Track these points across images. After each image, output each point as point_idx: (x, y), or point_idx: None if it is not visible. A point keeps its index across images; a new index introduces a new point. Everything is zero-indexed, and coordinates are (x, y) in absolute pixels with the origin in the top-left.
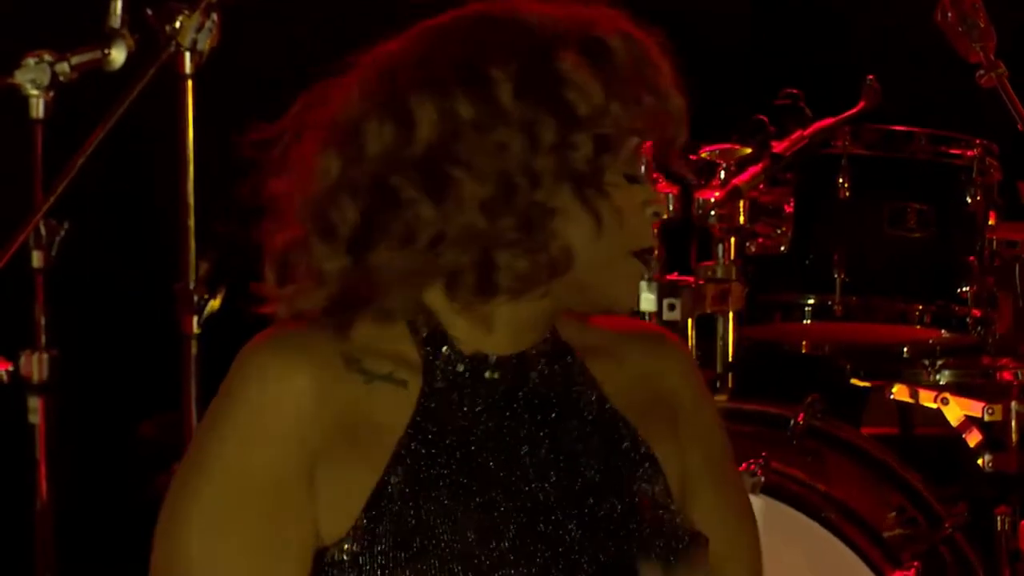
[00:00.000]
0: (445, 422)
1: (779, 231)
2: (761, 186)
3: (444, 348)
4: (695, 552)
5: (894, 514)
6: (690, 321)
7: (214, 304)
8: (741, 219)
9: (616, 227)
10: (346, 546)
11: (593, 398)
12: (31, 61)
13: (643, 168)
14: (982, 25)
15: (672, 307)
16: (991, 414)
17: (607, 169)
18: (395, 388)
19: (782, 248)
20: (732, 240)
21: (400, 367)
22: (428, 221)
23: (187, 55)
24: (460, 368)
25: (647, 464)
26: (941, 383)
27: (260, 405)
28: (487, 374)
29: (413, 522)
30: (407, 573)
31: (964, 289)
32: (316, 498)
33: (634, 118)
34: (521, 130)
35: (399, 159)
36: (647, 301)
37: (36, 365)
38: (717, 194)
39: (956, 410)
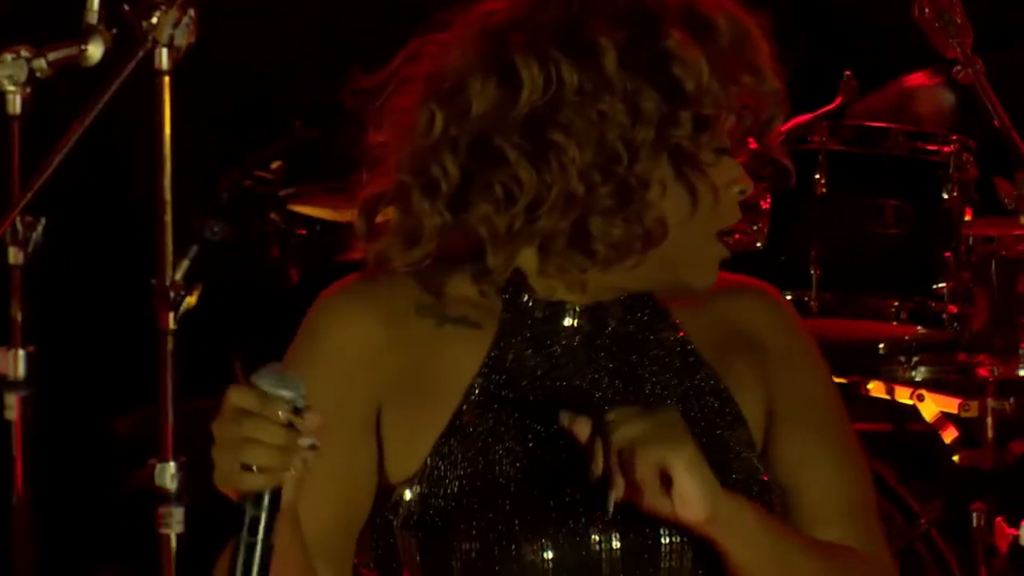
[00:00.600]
0: (519, 366)
1: (755, 227)
2: None
3: (524, 296)
4: (766, 501)
5: None
6: None
7: (190, 300)
8: None
9: (710, 204)
10: (415, 487)
11: (675, 345)
12: (8, 57)
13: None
14: (959, 21)
15: None
16: (967, 410)
17: (704, 147)
18: (470, 331)
19: (758, 244)
20: None
21: (477, 311)
22: (528, 184)
23: (164, 51)
24: (538, 314)
25: (727, 410)
26: (917, 379)
27: (327, 348)
28: (565, 321)
29: (481, 464)
30: (473, 516)
31: (940, 285)
32: (385, 440)
33: (733, 98)
34: (624, 101)
35: (502, 120)
36: None
37: (13, 362)
38: None
39: (932, 406)
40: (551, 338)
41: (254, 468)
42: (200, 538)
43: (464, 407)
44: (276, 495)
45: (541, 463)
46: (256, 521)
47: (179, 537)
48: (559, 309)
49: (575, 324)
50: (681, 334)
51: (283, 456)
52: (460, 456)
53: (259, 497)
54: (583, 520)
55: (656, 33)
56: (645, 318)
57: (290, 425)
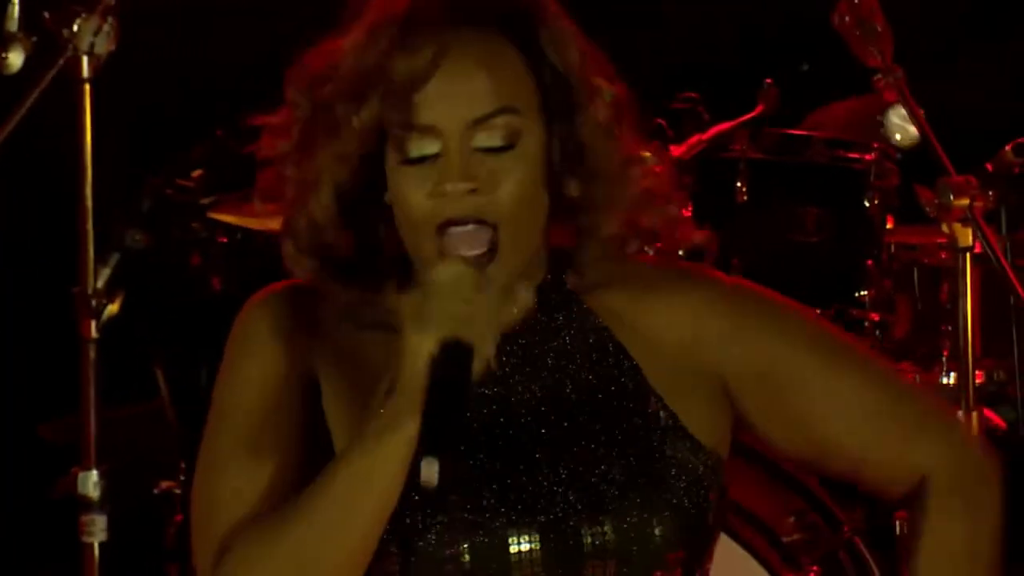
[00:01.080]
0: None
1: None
2: None
3: None
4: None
5: (793, 518)
6: None
7: (113, 308)
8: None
9: (403, 206)
10: None
11: (597, 344)
12: None
13: (419, 151)
14: (879, 29)
15: None
16: None
17: (388, 157)
18: (387, 336)
19: (680, 252)
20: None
21: (394, 316)
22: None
23: (85, 59)
24: None
25: (656, 413)
26: None
27: (257, 348)
28: None
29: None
30: (393, 518)
31: (862, 293)
32: (332, 432)
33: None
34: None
35: None
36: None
37: None
38: None
39: None
40: None
41: (472, 320)
42: (126, 546)
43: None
44: (470, 358)
45: (459, 467)
46: (463, 365)
47: (104, 545)
48: None
49: None
50: (605, 333)
51: (491, 329)
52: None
53: (463, 345)
54: (499, 522)
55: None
56: (562, 317)
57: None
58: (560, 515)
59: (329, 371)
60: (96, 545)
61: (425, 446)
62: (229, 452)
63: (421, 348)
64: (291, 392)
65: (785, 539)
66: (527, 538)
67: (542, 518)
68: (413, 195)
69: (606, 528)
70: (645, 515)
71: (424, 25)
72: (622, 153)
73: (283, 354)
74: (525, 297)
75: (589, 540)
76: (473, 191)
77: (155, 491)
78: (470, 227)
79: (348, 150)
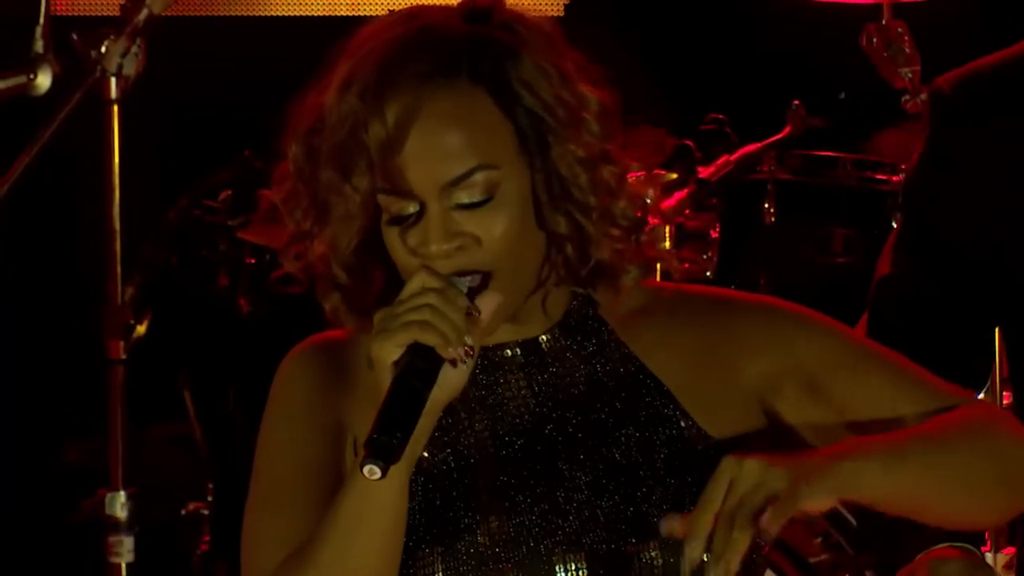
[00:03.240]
0: (460, 402)
1: (705, 256)
2: (687, 211)
3: None
4: None
5: (819, 539)
6: None
7: (140, 329)
8: (667, 244)
9: (396, 261)
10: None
11: (627, 371)
12: None
13: (400, 211)
14: (907, 50)
15: None
16: None
17: (383, 215)
18: None
19: (708, 273)
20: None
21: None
22: None
23: (113, 80)
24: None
25: (681, 430)
26: None
27: (291, 408)
28: (507, 352)
29: (439, 500)
30: (438, 543)
31: None
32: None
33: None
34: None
35: None
36: None
37: None
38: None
39: None
40: (495, 373)
41: (430, 323)
42: (153, 567)
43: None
44: (435, 364)
45: (497, 491)
46: (421, 372)
47: (129, 567)
48: (498, 347)
49: (517, 358)
50: (636, 362)
51: (455, 331)
52: (421, 492)
53: (427, 351)
54: (545, 547)
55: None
56: (588, 344)
57: (467, 315)
58: (606, 537)
59: (357, 417)
60: (123, 566)
61: (371, 449)
62: (268, 500)
63: (382, 356)
64: (322, 446)
65: (812, 560)
66: (574, 564)
67: (588, 539)
68: (400, 253)
69: (653, 552)
70: None
71: (392, 87)
72: (607, 180)
73: (315, 412)
74: (492, 301)
75: (637, 564)
76: (458, 248)
77: (182, 512)
78: (468, 279)
79: (352, 213)
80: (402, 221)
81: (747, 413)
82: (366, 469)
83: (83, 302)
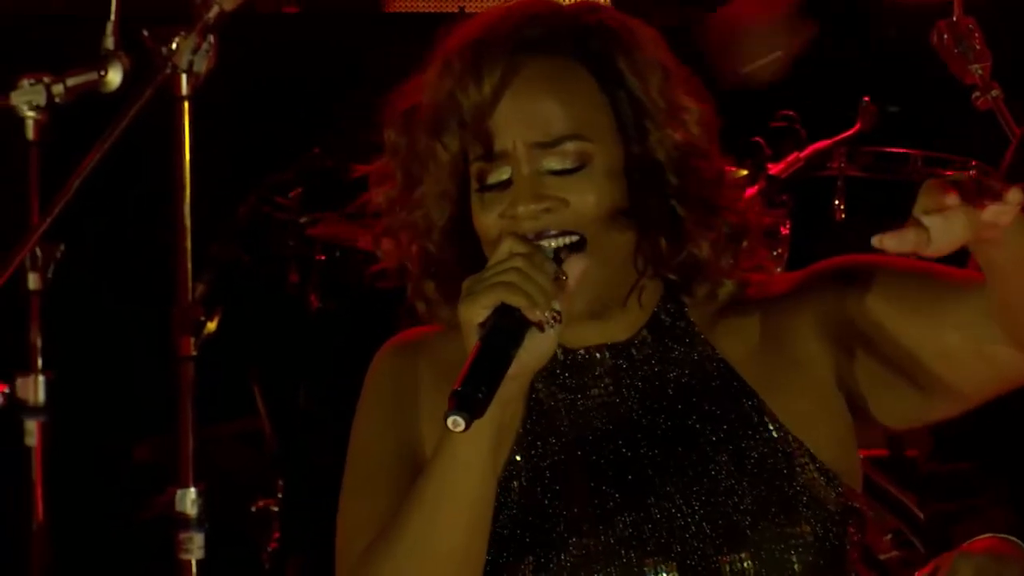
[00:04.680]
0: (554, 406)
1: (775, 253)
2: (757, 208)
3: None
4: (841, 531)
5: (890, 536)
6: None
7: (210, 326)
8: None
9: (480, 229)
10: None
11: (714, 371)
12: (27, 83)
13: (494, 178)
14: (978, 47)
15: None
16: None
17: (472, 181)
18: None
19: (778, 270)
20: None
21: None
22: None
23: (183, 76)
24: (560, 356)
25: (771, 437)
26: None
27: (381, 398)
28: (596, 356)
29: (526, 501)
30: (526, 549)
31: None
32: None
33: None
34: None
35: None
36: None
37: (32, 388)
38: None
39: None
40: (584, 377)
41: (517, 285)
42: (223, 563)
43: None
44: (523, 327)
45: (588, 500)
46: (507, 331)
47: (199, 563)
48: (587, 351)
49: (605, 361)
50: (723, 365)
51: (542, 294)
52: (515, 498)
53: (513, 313)
54: (636, 553)
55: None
56: (676, 347)
57: (555, 280)
58: (697, 547)
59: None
60: (194, 562)
61: (455, 401)
62: (361, 486)
63: (469, 318)
64: (413, 436)
65: (882, 557)
66: (665, 569)
67: (679, 548)
68: (487, 217)
69: (744, 559)
70: (783, 546)
71: (494, 52)
72: (704, 173)
73: (406, 403)
74: (578, 264)
75: (728, 570)
76: (546, 211)
77: (252, 509)
78: (556, 240)
79: (444, 185)
80: (492, 189)
81: (837, 421)
82: (450, 420)
83: (154, 299)
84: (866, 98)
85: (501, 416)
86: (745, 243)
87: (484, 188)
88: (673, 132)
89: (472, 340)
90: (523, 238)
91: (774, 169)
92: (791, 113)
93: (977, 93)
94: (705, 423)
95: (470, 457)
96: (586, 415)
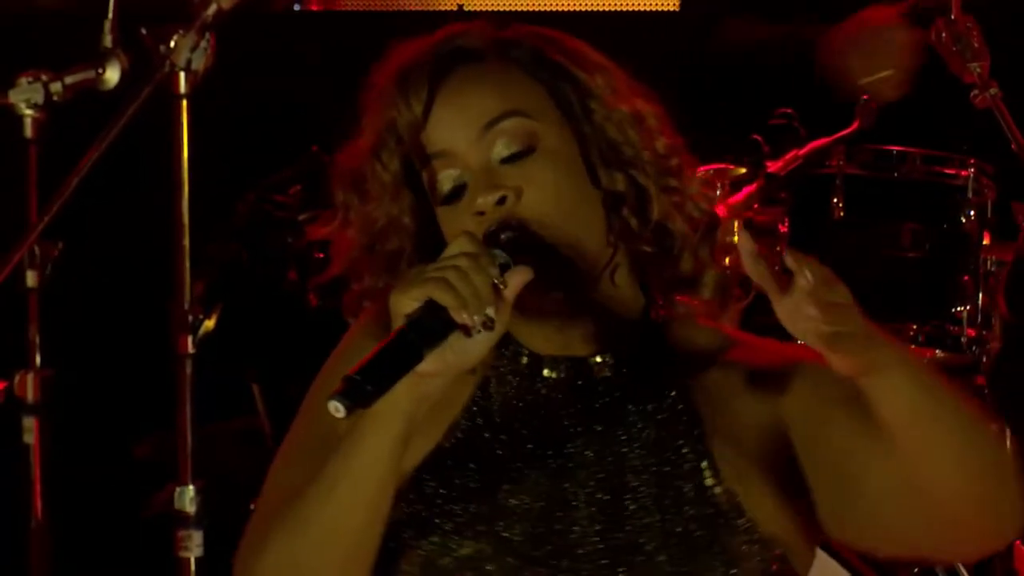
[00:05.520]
0: (500, 407)
1: (774, 251)
2: (756, 206)
3: (511, 345)
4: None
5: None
6: None
7: (208, 324)
8: (735, 238)
9: (450, 236)
10: (402, 504)
11: (662, 410)
12: (25, 81)
13: (448, 183)
14: (976, 45)
15: None
16: None
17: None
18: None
19: (776, 268)
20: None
21: None
22: None
23: (182, 75)
24: (523, 361)
25: (707, 487)
26: None
27: (343, 353)
28: (545, 371)
29: (455, 494)
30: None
31: (959, 309)
32: None
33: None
34: None
35: None
36: None
37: (30, 385)
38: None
39: None
40: (535, 387)
41: (450, 283)
42: (222, 562)
43: (448, 438)
44: (447, 327)
45: (494, 502)
46: (425, 328)
47: (198, 561)
48: (540, 359)
49: (553, 375)
50: (684, 396)
51: (475, 297)
52: (436, 488)
53: (441, 312)
54: (520, 563)
55: None
56: (634, 375)
57: (494, 287)
58: (590, 570)
59: None
60: (192, 560)
61: (342, 386)
62: (293, 454)
63: (397, 307)
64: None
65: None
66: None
67: (567, 564)
68: (453, 226)
69: None
70: None
71: (418, 71)
72: (659, 142)
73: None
74: (521, 276)
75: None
76: (503, 199)
77: (251, 506)
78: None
79: (393, 208)
80: (451, 199)
81: (786, 487)
82: (331, 404)
83: (152, 297)
84: (865, 96)
85: (415, 410)
86: (716, 237)
87: (443, 201)
88: (621, 105)
89: (395, 325)
90: (474, 238)
91: (773, 167)
92: (789, 111)
93: (976, 91)
94: (642, 453)
95: (376, 442)
96: (527, 422)
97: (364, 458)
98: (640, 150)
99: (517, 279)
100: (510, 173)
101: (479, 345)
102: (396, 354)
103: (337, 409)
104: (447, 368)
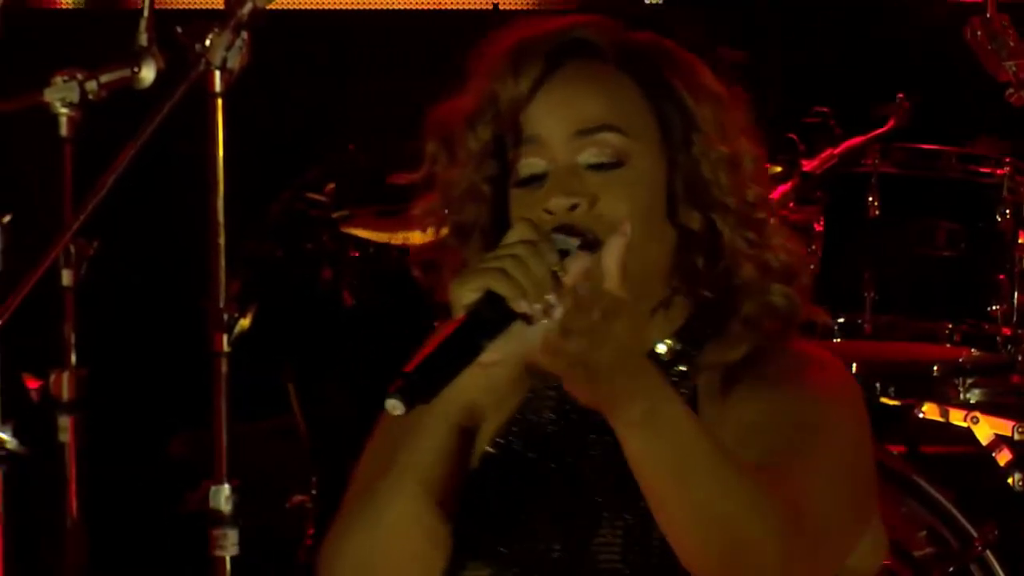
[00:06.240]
0: (537, 424)
1: (809, 250)
2: (791, 204)
3: None
4: None
5: (924, 533)
6: None
7: (244, 323)
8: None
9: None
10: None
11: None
12: (60, 80)
13: (529, 170)
14: (1012, 44)
15: None
16: (1021, 433)
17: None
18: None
19: (812, 267)
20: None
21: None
22: None
23: (217, 73)
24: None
25: None
26: (971, 402)
27: None
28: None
29: (491, 505)
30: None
31: (994, 308)
32: None
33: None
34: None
35: None
36: None
37: (66, 384)
38: None
39: (986, 429)
40: (564, 404)
41: (508, 272)
42: (258, 560)
43: (492, 444)
44: (507, 317)
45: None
46: (485, 321)
47: (233, 560)
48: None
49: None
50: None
51: (534, 285)
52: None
53: (500, 302)
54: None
55: None
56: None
57: (553, 275)
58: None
59: None
60: (228, 559)
61: (399, 383)
62: (379, 447)
63: (456, 298)
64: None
65: (916, 554)
66: None
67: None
68: (518, 214)
69: None
70: None
71: (534, 51)
72: (750, 190)
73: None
74: (580, 263)
75: None
76: (573, 207)
77: (287, 505)
78: (573, 239)
79: (475, 179)
80: (529, 183)
81: None
82: (388, 403)
83: (188, 296)
84: (900, 95)
85: (480, 400)
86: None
87: (520, 183)
88: (721, 147)
89: (458, 316)
90: (533, 225)
91: (808, 166)
92: (825, 109)
93: (1011, 90)
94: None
95: (441, 432)
96: (555, 440)
97: (428, 450)
98: (728, 195)
99: (577, 265)
100: (592, 180)
101: (541, 333)
102: (454, 349)
103: (395, 407)
104: (510, 357)
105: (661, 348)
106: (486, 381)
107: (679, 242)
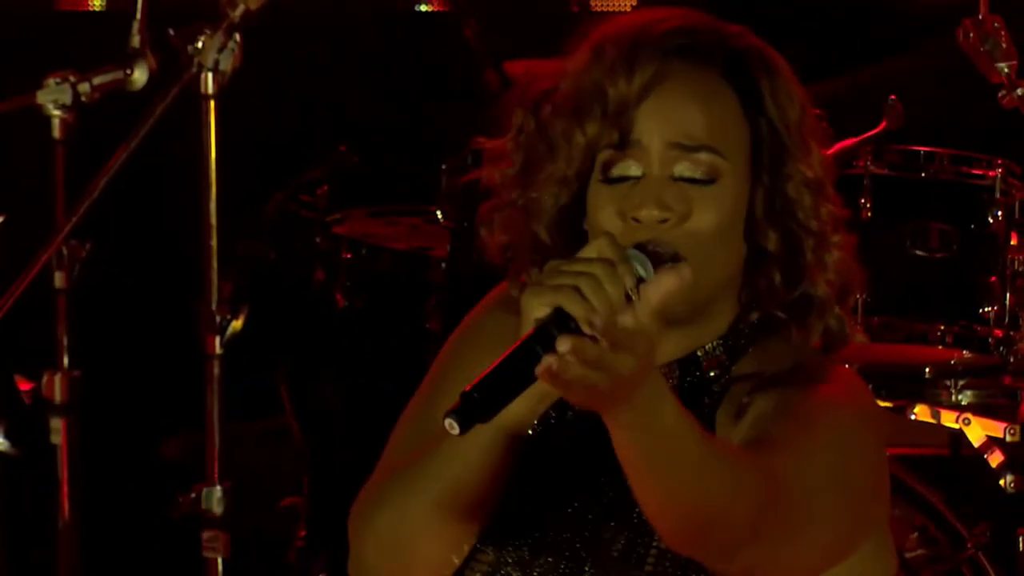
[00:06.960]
0: (560, 413)
1: None
2: None
3: None
4: None
5: (916, 534)
6: None
7: (236, 324)
8: None
9: (594, 223)
10: None
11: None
12: (53, 82)
13: (622, 171)
14: (1004, 45)
15: None
16: (1013, 434)
17: (592, 177)
18: None
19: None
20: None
21: None
22: None
23: (209, 75)
24: None
25: None
26: (963, 403)
27: (467, 333)
28: None
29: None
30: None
31: (986, 309)
32: None
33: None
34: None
35: None
36: None
37: (58, 386)
38: None
39: (978, 430)
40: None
41: (583, 292)
42: (249, 563)
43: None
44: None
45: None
46: (553, 339)
47: (225, 562)
48: None
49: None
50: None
51: (606, 307)
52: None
53: (570, 320)
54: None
55: None
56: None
57: (627, 298)
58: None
59: None
60: (219, 561)
61: (460, 403)
62: (418, 415)
63: (528, 309)
64: None
65: (907, 555)
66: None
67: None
68: (604, 211)
69: None
70: None
71: (648, 51)
72: (829, 215)
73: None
74: (657, 290)
75: None
76: (664, 221)
77: (279, 506)
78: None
79: (569, 171)
80: (616, 182)
81: None
82: (447, 421)
83: (180, 297)
84: (892, 96)
85: (535, 406)
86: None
87: (609, 180)
88: (806, 169)
89: (526, 331)
90: (615, 243)
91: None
92: (816, 112)
93: (1003, 91)
94: None
95: (477, 442)
96: (584, 434)
97: (463, 465)
98: (811, 217)
99: (653, 293)
100: (683, 193)
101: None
102: (516, 368)
103: (451, 426)
104: None
105: (700, 352)
106: (540, 390)
107: (749, 259)
